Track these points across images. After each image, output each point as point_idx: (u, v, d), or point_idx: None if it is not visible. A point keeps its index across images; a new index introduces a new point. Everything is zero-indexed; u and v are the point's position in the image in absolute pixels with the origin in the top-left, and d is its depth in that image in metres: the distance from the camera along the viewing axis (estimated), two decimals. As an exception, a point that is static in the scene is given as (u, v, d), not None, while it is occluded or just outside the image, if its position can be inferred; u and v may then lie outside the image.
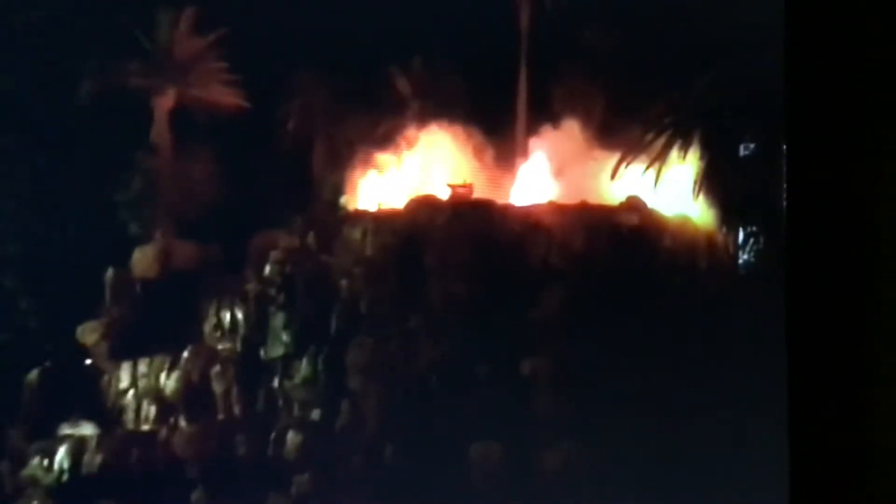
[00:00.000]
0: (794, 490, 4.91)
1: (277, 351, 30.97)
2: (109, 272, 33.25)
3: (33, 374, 32.47)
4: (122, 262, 33.43)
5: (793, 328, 5.02)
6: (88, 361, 33.14)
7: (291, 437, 30.25)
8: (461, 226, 30.35)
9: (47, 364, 32.72)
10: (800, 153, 5.09)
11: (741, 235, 27.37)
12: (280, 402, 30.77)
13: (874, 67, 5.04)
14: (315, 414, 30.33)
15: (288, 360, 30.80)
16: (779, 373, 5.17)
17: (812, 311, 5.01)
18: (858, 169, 5.01)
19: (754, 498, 23.87)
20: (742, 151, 26.97)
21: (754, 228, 26.81)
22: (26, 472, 31.47)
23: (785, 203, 5.08)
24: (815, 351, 4.99)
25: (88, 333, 33.17)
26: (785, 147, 5.12)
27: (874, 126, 5.02)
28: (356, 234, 31.27)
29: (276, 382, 30.87)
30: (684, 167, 28.76)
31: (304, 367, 30.56)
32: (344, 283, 30.78)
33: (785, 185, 5.09)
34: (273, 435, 30.39)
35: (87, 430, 31.84)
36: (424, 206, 31.14)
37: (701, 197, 28.07)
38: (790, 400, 4.98)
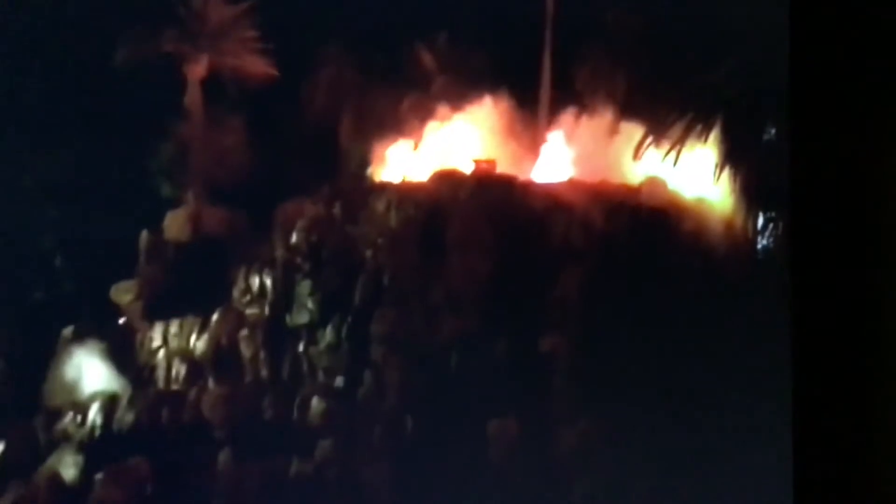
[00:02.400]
0: (797, 462, 4.70)
1: (303, 318, 29.67)
2: (143, 234, 32.10)
3: (67, 332, 31.35)
4: (156, 225, 32.23)
5: (799, 318, 4.78)
6: (122, 321, 32.05)
7: (316, 404, 29.02)
8: (483, 201, 28.90)
9: (81, 322, 31.61)
10: (806, 142, 4.82)
11: (760, 220, 25.90)
12: (305, 369, 29.52)
13: (881, 56, 4.73)
14: (338, 381, 29.08)
15: (313, 328, 29.50)
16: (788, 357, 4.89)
17: (819, 302, 4.76)
18: (865, 158, 4.74)
19: (767, 479, 22.59)
20: (764, 136, 25.40)
21: (773, 214, 25.32)
22: (60, 426, 30.44)
23: (789, 193, 4.75)
24: (822, 342, 4.76)
25: (122, 293, 32.09)
26: (791, 135, 4.78)
27: (882, 115, 4.72)
28: (381, 205, 29.85)
29: (301, 349, 29.61)
30: (705, 150, 27.25)
31: (328, 335, 29.29)
32: (368, 253, 29.44)
33: (789, 173, 4.77)
34: (298, 400, 29.18)
35: (119, 387, 30.80)
36: (448, 181, 29.67)
37: (721, 181, 26.58)
38: (795, 386, 4.75)
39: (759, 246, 25.96)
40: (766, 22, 23.26)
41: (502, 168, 30.08)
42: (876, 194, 4.72)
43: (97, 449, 29.79)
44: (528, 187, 29.38)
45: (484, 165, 29.82)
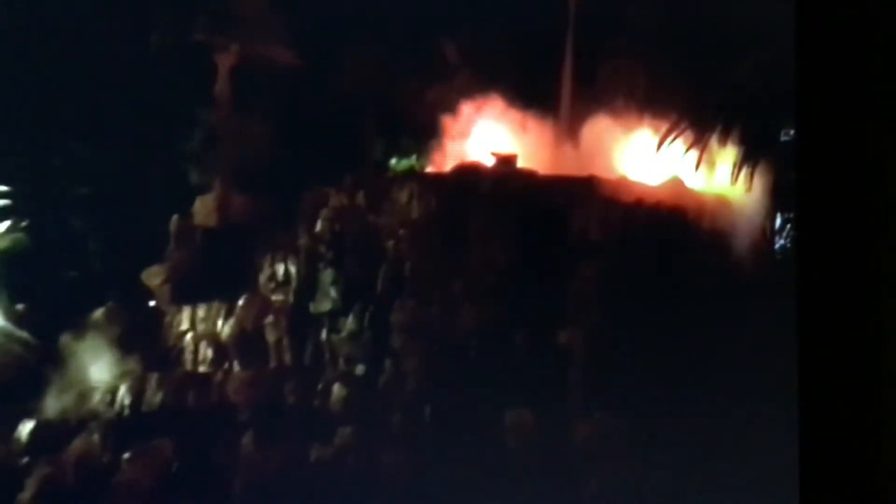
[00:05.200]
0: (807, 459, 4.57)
1: (325, 306, 28.88)
2: (174, 219, 31.36)
3: (98, 312, 30.67)
4: (186, 210, 31.51)
5: (807, 318, 4.56)
6: (152, 303, 31.39)
7: (337, 390, 28.26)
8: (503, 194, 28.04)
9: (111, 303, 30.92)
10: (816, 142, 4.59)
11: (778, 220, 25.00)
12: (327, 356, 28.76)
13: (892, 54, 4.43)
14: (359, 369, 28.31)
15: (335, 315, 28.72)
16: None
17: (827, 303, 4.54)
18: (878, 158, 4.48)
19: (778, 475, 21.64)
20: (783, 136, 24.47)
21: (791, 214, 24.35)
22: (89, 406, 29.82)
23: (798, 194, 4.53)
24: (831, 342, 4.55)
25: (153, 276, 31.41)
26: (800, 136, 4.55)
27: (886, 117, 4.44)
28: (403, 196, 29.00)
29: (323, 336, 28.83)
30: (725, 149, 26.30)
31: (350, 323, 28.49)
32: (390, 243, 28.62)
33: (798, 174, 4.55)
34: (320, 387, 28.43)
35: (147, 369, 30.11)
36: (469, 173, 28.83)
37: (740, 180, 25.64)
38: (803, 386, 4.56)
39: (777, 245, 25.09)
40: (783, 20, 22.25)
41: (522, 162, 29.17)
42: (889, 196, 4.48)
43: (125, 429, 29.16)
44: (548, 181, 28.48)
45: (504, 159, 28.90)
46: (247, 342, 29.50)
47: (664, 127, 27.48)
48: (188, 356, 30.23)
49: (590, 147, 29.44)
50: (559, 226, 27.45)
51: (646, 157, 28.22)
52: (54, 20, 32.54)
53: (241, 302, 29.76)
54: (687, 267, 26.25)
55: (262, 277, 29.95)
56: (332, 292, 28.80)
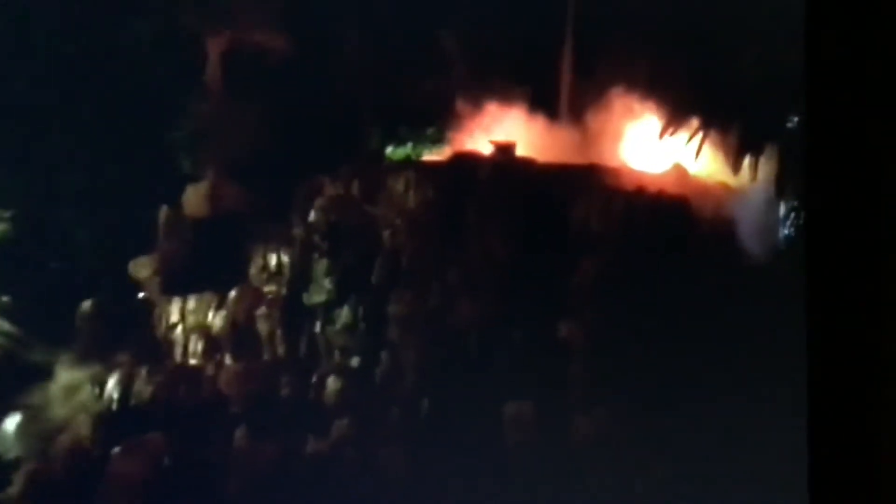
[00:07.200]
0: (813, 454, 4.55)
1: (320, 297, 28.91)
2: (163, 210, 31.39)
3: (87, 304, 30.75)
4: (175, 200, 31.54)
5: (816, 309, 4.54)
6: (141, 295, 31.46)
7: (332, 383, 28.35)
8: (502, 184, 28.13)
9: (101, 295, 31.01)
10: (825, 130, 4.57)
11: (782, 209, 25.15)
12: (321, 348, 28.84)
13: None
14: (355, 361, 28.40)
15: (329, 307, 28.77)
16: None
17: (836, 294, 4.52)
18: (888, 147, 4.46)
19: (783, 470, 21.83)
20: (787, 124, 24.61)
21: (795, 203, 24.54)
22: (77, 399, 29.90)
23: (807, 183, 4.50)
24: (839, 333, 4.53)
25: (142, 268, 31.43)
26: (809, 123, 4.51)
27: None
28: (399, 186, 29.08)
29: (317, 328, 28.93)
30: (729, 137, 26.43)
31: (345, 315, 28.56)
32: (386, 234, 28.71)
33: (806, 163, 4.51)
34: (314, 379, 28.53)
35: (137, 361, 30.20)
36: (466, 162, 28.91)
37: (743, 168, 25.78)
38: (811, 378, 4.54)
39: (781, 235, 25.25)
40: (788, 9, 22.39)
41: (522, 151, 29.21)
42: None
43: (114, 422, 29.20)
44: (548, 170, 28.54)
45: (503, 147, 28.97)
46: (239, 334, 29.52)
47: (666, 114, 27.60)
48: (179, 349, 30.24)
49: (591, 135, 29.51)
50: (559, 215, 27.53)
51: (648, 145, 28.34)
52: (40, 9, 32.53)
53: (232, 293, 29.75)
54: (690, 257, 26.35)
55: (255, 268, 29.96)
56: (327, 283, 28.86)
